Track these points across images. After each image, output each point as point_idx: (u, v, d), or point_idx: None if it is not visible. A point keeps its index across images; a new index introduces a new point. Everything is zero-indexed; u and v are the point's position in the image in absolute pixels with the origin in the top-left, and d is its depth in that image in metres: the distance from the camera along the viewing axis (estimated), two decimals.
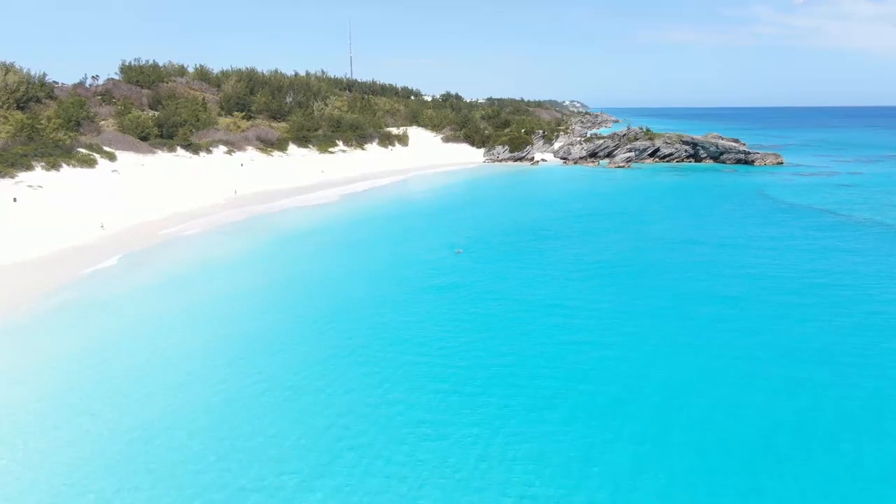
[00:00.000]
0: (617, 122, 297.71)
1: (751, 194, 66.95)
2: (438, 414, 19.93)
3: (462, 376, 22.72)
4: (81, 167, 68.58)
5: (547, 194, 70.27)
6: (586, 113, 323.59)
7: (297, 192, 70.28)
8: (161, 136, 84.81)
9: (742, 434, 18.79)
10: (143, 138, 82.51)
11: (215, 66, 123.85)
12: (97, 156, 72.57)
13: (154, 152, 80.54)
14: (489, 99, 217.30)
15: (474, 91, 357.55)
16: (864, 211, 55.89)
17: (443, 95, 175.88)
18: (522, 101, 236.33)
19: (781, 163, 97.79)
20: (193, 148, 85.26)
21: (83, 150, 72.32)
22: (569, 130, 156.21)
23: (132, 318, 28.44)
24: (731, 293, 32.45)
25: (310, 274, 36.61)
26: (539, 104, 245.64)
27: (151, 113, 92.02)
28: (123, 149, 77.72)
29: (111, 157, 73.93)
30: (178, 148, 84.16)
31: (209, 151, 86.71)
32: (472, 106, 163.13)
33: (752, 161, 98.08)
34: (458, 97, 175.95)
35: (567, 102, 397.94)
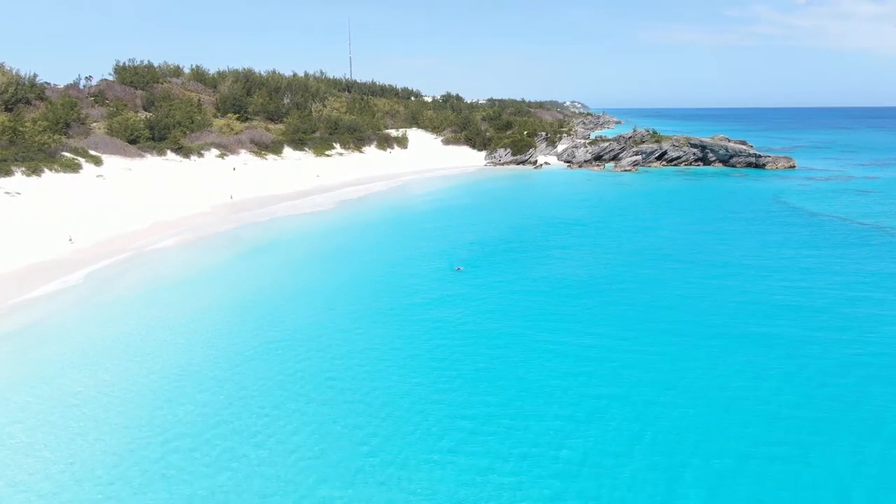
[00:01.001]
0: (619, 122, 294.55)
1: (767, 202, 63.59)
2: None
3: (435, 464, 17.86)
4: (65, 172, 65.42)
5: (552, 201, 66.80)
6: (588, 114, 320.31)
7: (290, 198, 67.13)
8: (153, 139, 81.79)
9: None
10: (133, 141, 79.43)
11: (213, 67, 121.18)
12: (82, 160, 69.46)
13: (143, 156, 77.42)
14: (490, 99, 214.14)
15: (475, 92, 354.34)
16: (891, 220, 52.67)
17: (443, 96, 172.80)
18: (523, 101, 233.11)
19: (793, 166, 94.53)
20: (184, 151, 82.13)
21: (67, 155, 69.22)
22: (571, 132, 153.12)
23: (77, 346, 25.67)
24: (774, 332, 27.38)
25: (285, 293, 33.12)
26: (540, 105, 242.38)
27: (144, 114, 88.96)
28: (111, 153, 74.62)
29: (97, 162, 70.81)
30: (169, 151, 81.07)
31: (200, 155, 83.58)
32: (473, 107, 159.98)
33: (763, 165, 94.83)
34: (458, 98, 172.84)
35: (568, 103, 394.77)
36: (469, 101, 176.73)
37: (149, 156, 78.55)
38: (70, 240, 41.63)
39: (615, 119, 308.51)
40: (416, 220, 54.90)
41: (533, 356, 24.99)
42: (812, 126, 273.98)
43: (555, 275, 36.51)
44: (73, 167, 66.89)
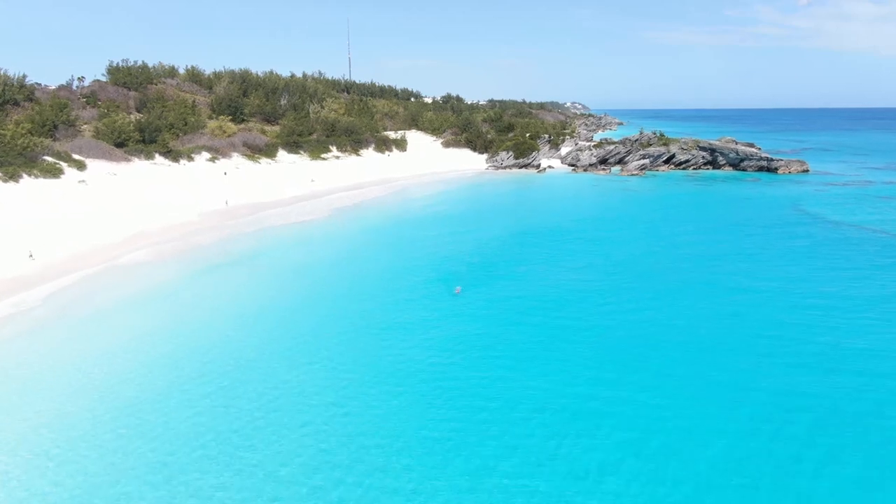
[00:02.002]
0: (621, 124, 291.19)
1: (786, 210, 60.06)
2: None
3: None
4: (45, 178, 62.14)
5: (557, 209, 63.12)
6: (589, 115, 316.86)
7: (282, 204, 63.70)
8: (143, 142, 78.52)
9: None
10: (120, 144, 76.13)
11: (211, 68, 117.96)
12: (64, 165, 66.15)
13: (129, 160, 74.04)
14: (490, 101, 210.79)
15: (475, 93, 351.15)
16: None
17: (443, 97, 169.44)
18: (524, 102, 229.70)
19: (807, 170, 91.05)
20: (173, 155, 78.83)
21: (49, 159, 65.91)
22: (574, 134, 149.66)
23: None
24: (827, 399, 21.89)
25: (241, 318, 29.74)
26: (541, 106, 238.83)
27: (135, 116, 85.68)
28: (95, 157, 71.28)
29: (80, 167, 67.47)
30: (157, 155, 77.73)
31: (191, 159, 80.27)
32: (474, 108, 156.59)
33: (776, 169, 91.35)
34: (458, 99, 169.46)
35: (568, 104, 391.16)
36: (469, 103, 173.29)
37: (136, 160, 75.17)
38: (31, 256, 38.09)
39: (617, 120, 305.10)
40: (413, 231, 51.18)
41: (519, 417, 20.90)
42: (816, 127, 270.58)
43: (561, 298, 32.74)
44: (54, 172, 63.52)
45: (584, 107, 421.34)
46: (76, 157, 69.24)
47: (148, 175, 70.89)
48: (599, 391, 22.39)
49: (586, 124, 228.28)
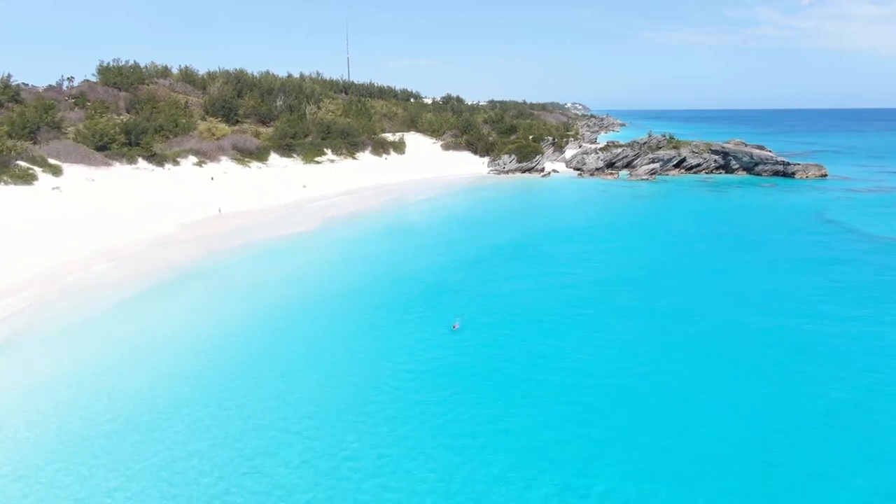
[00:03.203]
0: (623, 125, 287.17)
1: (812, 220, 55.61)
2: None
3: None
4: (15, 184, 57.82)
5: (567, 220, 57.95)
6: (591, 116, 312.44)
7: (269, 212, 59.27)
8: (129, 145, 74.36)
9: None
10: (103, 147, 71.84)
11: (208, 69, 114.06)
12: (38, 170, 61.84)
13: (110, 164, 69.69)
14: (491, 101, 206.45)
15: (475, 93, 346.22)
16: None
17: (443, 98, 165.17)
18: (525, 103, 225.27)
19: (825, 175, 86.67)
20: (158, 159, 74.43)
21: (22, 164, 61.55)
22: (578, 136, 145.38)
23: None
24: None
25: (210, 362, 25.37)
26: (543, 107, 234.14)
27: (124, 117, 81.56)
28: (73, 161, 66.98)
29: (55, 172, 63.14)
30: (140, 159, 73.34)
31: (176, 163, 75.93)
32: (474, 109, 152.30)
33: (793, 173, 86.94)
34: (459, 100, 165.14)
35: (569, 105, 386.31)
36: (470, 103, 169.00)
37: (117, 164, 70.84)
38: None
39: (619, 121, 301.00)
40: (408, 248, 46.24)
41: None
42: (820, 128, 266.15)
43: (570, 342, 27.85)
44: (27, 178, 59.24)
45: (584, 107, 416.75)
46: (52, 161, 64.94)
47: (129, 181, 66.59)
48: None
49: (588, 125, 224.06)
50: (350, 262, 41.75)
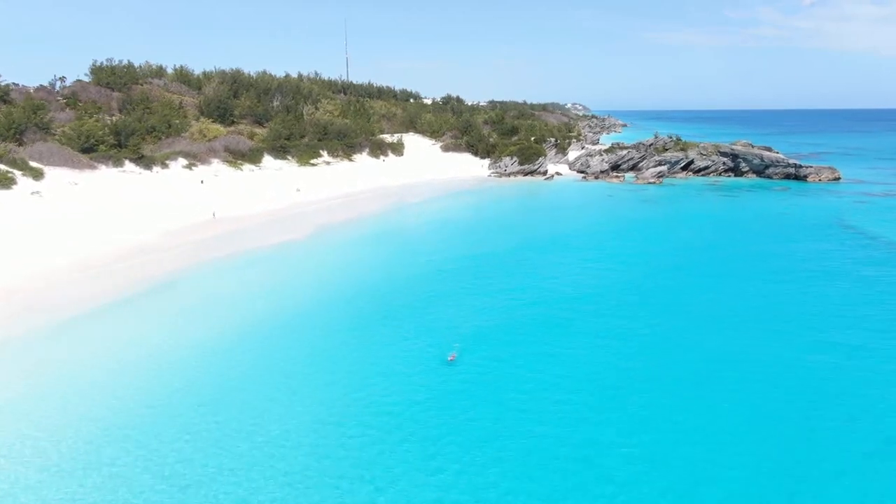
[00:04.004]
0: (625, 125, 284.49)
1: (834, 228, 52.54)
2: None
3: None
4: None
5: (573, 228, 54.73)
6: (592, 116, 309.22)
7: (259, 218, 56.17)
8: (119, 147, 71.55)
9: None
10: (89, 149, 68.98)
11: (202, 68, 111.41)
12: (18, 173, 58.96)
13: (95, 167, 66.80)
14: (491, 101, 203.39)
15: (475, 93, 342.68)
16: None
17: (443, 98, 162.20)
18: (525, 103, 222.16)
19: (838, 178, 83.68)
20: (146, 162, 71.47)
21: (1, 167, 58.60)
22: (581, 137, 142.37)
23: None
24: None
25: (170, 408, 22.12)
26: (543, 107, 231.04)
27: (116, 118, 78.72)
28: (56, 164, 64.09)
29: (36, 175, 60.27)
30: (127, 162, 70.39)
31: (165, 166, 72.97)
32: (474, 109, 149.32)
33: (805, 177, 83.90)
34: (459, 100, 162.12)
35: (569, 105, 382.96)
36: (470, 104, 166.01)
37: (103, 167, 67.94)
38: None
39: (620, 122, 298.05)
40: (403, 260, 42.61)
41: None
42: (825, 129, 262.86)
43: (581, 372, 24.97)
44: (4, 182, 56.35)
45: (584, 108, 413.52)
46: (34, 164, 62.08)
47: (114, 185, 63.67)
48: None
49: (590, 126, 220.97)
50: (339, 275, 38.54)
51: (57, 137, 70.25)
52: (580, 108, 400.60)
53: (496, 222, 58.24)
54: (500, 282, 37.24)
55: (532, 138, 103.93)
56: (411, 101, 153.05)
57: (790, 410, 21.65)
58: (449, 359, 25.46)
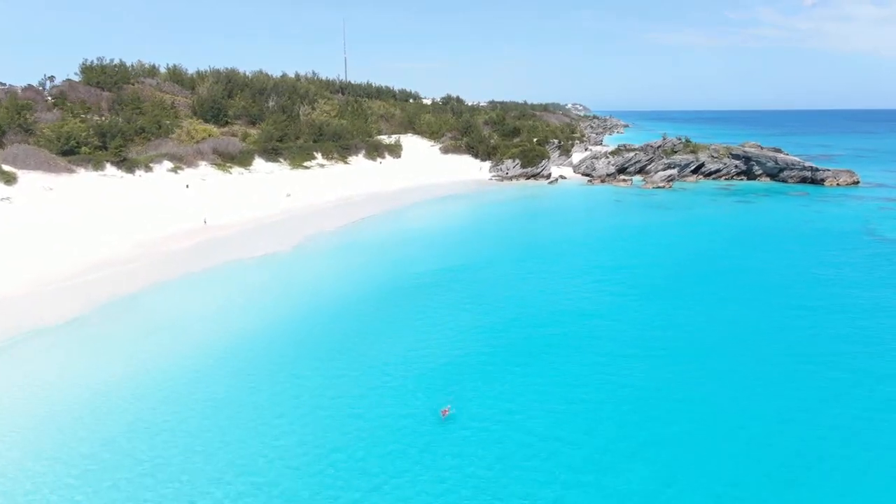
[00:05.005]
0: (627, 126, 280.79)
1: (865, 238, 48.65)
2: None
3: None
4: None
5: (581, 238, 50.57)
6: (593, 117, 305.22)
7: (243, 227, 52.22)
8: (104, 149, 67.73)
9: None
10: (68, 152, 65.09)
11: (198, 68, 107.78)
12: None
13: (73, 171, 62.90)
14: (491, 102, 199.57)
15: (475, 94, 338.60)
16: None
17: (443, 98, 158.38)
18: (526, 104, 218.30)
19: (857, 182, 79.78)
20: (128, 165, 67.51)
21: None
22: (584, 139, 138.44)
23: None
24: None
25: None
26: (545, 108, 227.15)
27: (105, 118, 74.88)
28: (32, 167, 60.25)
29: (8, 180, 56.49)
30: (108, 165, 66.47)
31: (149, 169, 69.01)
32: (474, 110, 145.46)
33: (822, 180, 79.98)
34: (459, 100, 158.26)
35: (569, 105, 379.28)
36: (470, 104, 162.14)
37: (82, 170, 64.03)
38: None
39: (622, 123, 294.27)
40: (394, 279, 37.66)
41: None
42: (830, 130, 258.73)
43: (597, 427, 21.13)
44: None
45: (584, 108, 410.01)
46: (7, 168, 58.21)
47: (92, 190, 59.75)
48: None
49: (592, 127, 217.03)
50: (322, 296, 34.08)
51: (34, 139, 66.37)
52: (580, 108, 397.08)
53: (497, 231, 53.97)
54: (501, 302, 33.04)
55: (535, 140, 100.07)
56: (410, 101, 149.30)
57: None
58: (442, 414, 20.70)
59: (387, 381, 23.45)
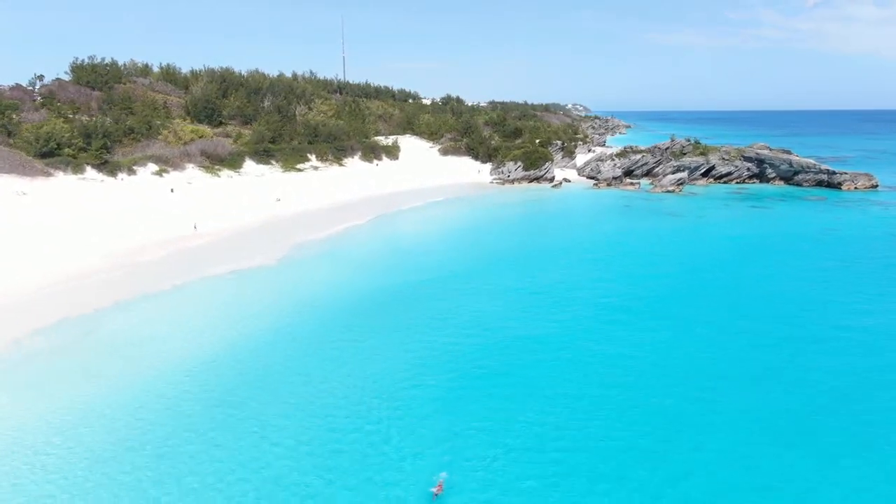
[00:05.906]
0: (629, 126, 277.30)
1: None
2: None
3: None
4: None
5: (591, 248, 46.90)
6: (594, 117, 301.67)
7: (227, 234, 48.52)
8: (86, 151, 64.15)
9: None
10: (48, 154, 61.48)
11: (194, 67, 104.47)
12: None
13: (50, 174, 59.33)
14: (491, 102, 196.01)
15: (475, 94, 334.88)
16: None
17: (443, 98, 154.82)
18: (526, 104, 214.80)
19: (876, 186, 76.17)
20: (110, 168, 63.93)
21: None
22: (587, 140, 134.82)
23: None
24: None
25: None
26: (545, 108, 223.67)
27: (95, 118, 71.39)
28: (4, 170, 56.70)
29: None
30: (89, 168, 62.88)
31: (132, 172, 65.44)
32: (475, 110, 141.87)
33: (839, 184, 76.31)
34: (459, 101, 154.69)
35: (570, 105, 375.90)
36: (470, 104, 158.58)
37: (60, 174, 60.46)
38: None
39: (624, 123, 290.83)
40: (386, 300, 33.61)
41: None
42: (833, 131, 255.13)
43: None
44: None
45: (585, 108, 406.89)
46: None
47: (69, 195, 56.17)
48: None
49: (593, 127, 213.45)
50: (306, 324, 29.94)
51: (12, 141, 62.81)
52: (581, 108, 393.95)
53: (497, 245, 49.43)
54: (502, 362, 27.22)
55: (537, 141, 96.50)
56: (410, 101, 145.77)
57: None
58: (434, 492, 17.03)
59: (377, 442, 19.79)
